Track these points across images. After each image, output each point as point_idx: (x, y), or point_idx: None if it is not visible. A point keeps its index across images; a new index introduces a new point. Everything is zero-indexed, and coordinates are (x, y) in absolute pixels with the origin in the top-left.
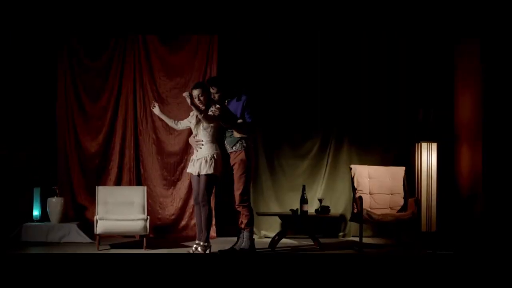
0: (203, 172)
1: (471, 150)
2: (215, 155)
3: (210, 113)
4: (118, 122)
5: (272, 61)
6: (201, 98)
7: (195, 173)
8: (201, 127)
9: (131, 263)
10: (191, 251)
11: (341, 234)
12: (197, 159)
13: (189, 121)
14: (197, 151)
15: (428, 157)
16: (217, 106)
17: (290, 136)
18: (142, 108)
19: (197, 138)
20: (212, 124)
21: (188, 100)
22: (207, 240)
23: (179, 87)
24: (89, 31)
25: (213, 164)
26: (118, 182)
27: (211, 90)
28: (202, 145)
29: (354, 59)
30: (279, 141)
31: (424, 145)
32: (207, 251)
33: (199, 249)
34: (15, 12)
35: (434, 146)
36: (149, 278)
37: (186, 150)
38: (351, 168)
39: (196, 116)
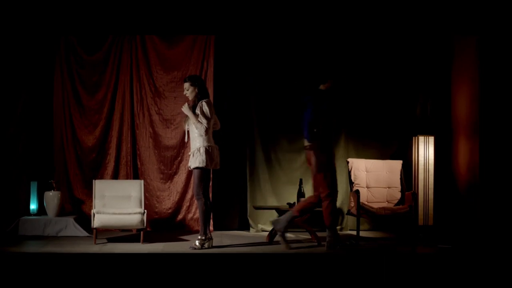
0: (191, 165)
1: (468, 143)
2: (204, 148)
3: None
4: (115, 116)
5: (268, 54)
6: (188, 91)
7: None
8: (190, 120)
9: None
10: (192, 245)
11: (338, 227)
12: (190, 153)
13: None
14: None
15: (425, 150)
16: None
17: (287, 129)
18: (139, 102)
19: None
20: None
21: (189, 112)
22: (203, 234)
23: (176, 81)
24: (87, 26)
25: (200, 157)
26: (115, 176)
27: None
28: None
29: (351, 53)
30: (276, 134)
31: (421, 138)
32: (206, 245)
33: (196, 243)
34: (12, 6)
35: (431, 139)
36: (146, 276)
37: (183, 144)
38: (348, 162)
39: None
